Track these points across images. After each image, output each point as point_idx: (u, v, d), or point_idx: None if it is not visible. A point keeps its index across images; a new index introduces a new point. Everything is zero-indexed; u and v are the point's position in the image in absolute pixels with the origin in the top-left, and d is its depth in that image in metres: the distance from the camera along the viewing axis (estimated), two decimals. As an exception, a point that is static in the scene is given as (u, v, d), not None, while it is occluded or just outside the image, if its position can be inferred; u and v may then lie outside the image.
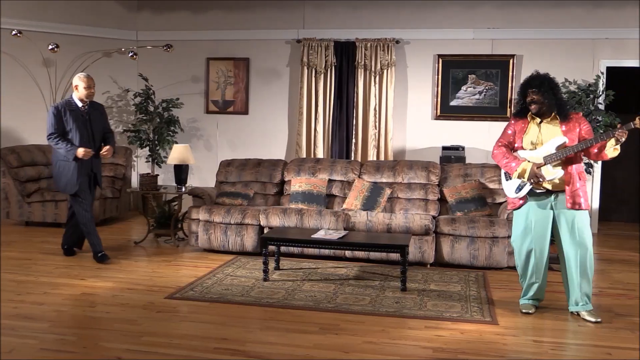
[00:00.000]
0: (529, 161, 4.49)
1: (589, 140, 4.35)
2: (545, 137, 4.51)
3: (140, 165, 9.45)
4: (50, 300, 4.75)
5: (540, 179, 4.42)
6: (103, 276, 5.53)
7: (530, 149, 4.54)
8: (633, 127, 4.21)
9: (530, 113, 4.58)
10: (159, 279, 5.47)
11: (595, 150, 4.40)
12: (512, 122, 4.72)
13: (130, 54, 8.88)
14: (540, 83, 4.48)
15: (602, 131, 4.42)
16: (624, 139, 4.24)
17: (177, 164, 7.07)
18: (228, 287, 5.21)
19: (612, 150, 4.31)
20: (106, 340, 3.94)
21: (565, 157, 4.42)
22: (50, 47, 8.36)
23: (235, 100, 9.21)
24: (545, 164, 4.42)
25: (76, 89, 6.01)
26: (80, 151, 5.86)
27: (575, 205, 4.41)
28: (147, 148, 9.03)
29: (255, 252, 6.40)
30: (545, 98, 4.47)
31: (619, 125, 4.26)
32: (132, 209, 9.06)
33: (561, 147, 4.41)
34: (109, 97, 9.26)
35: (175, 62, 9.10)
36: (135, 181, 9.24)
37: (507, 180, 4.68)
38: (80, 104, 6.02)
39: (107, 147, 6.11)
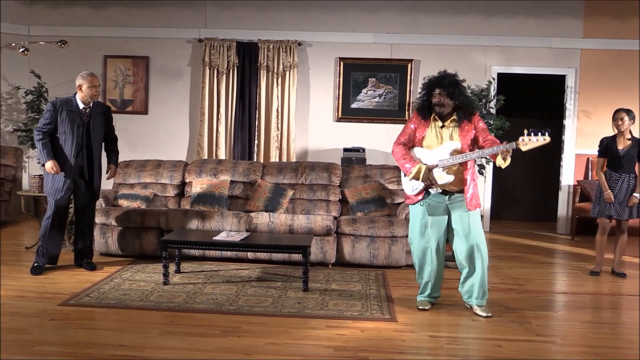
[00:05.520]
0: (423, 163, 4.61)
1: (479, 153, 4.48)
2: (444, 140, 4.64)
3: (32, 167, 9.01)
4: None
5: (433, 182, 4.57)
6: (-10, 284, 5.23)
7: (426, 149, 4.67)
8: (515, 147, 4.37)
9: (433, 115, 4.67)
10: (51, 286, 5.24)
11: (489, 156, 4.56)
12: (414, 119, 4.77)
13: (22, 50, 8.45)
14: (450, 83, 4.56)
15: (490, 147, 4.52)
16: (508, 158, 4.38)
17: (72, 165, 6.79)
18: (126, 292, 5.07)
19: (502, 162, 4.44)
20: (-6, 352, 3.74)
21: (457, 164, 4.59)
22: None
23: (134, 99, 8.98)
24: (437, 166, 4.55)
25: (80, 89, 5.58)
26: (49, 164, 5.48)
27: (471, 207, 4.60)
28: (40, 148, 8.62)
29: (155, 255, 6.25)
30: (453, 99, 4.57)
31: (504, 143, 4.41)
32: (22, 212, 8.61)
33: (454, 153, 4.57)
34: (-3, 94, 8.78)
35: (70, 59, 8.76)
36: (26, 183, 8.80)
37: (404, 176, 4.79)
38: (82, 106, 5.61)
39: (111, 167, 5.87)
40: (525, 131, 4.40)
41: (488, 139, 4.59)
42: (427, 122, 4.70)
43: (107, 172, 5.94)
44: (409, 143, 4.74)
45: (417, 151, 4.69)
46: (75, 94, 5.70)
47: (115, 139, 6.01)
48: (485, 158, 7.81)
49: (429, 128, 4.69)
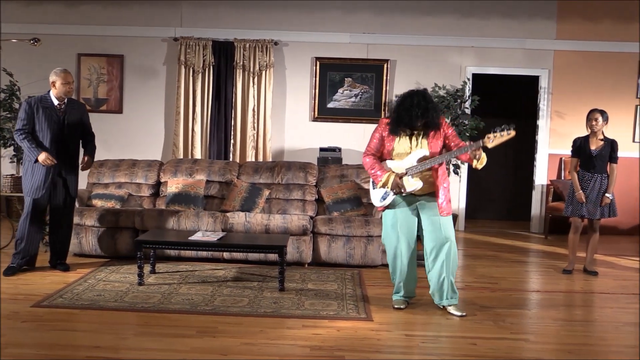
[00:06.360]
0: (393, 171, 4.66)
1: (446, 156, 4.59)
2: (413, 147, 4.67)
3: (4, 166, 8.88)
4: None
5: (402, 190, 4.62)
6: (-39, 285, 5.15)
7: (397, 160, 4.72)
8: (482, 144, 4.45)
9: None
10: (24, 287, 5.17)
11: (463, 158, 4.62)
12: (380, 128, 4.78)
13: (-7, 48, 8.33)
14: (434, 111, 4.58)
15: (458, 148, 4.62)
16: (479, 154, 4.48)
17: (45, 165, 6.70)
18: (100, 293, 5.02)
19: (476, 163, 4.53)
20: (-36, 354, 3.68)
21: (427, 169, 4.64)
22: None
23: (109, 98, 8.89)
24: (406, 174, 4.62)
25: (53, 85, 5.53)
26: (42, 156, 5.40)
27: (443, 213, 4.65)
28: (12, 148, 8.50)
29: (129, 255, 6.18)
30: (429, 119, 4.60)
31: (469, 143, 4.51)
32: (-6, 213, 8.51)
33: (422, 160, 4.62)
34: (-33, 92, 8.63)
35: (43, 57, 8.63)
36: (-2, 183, 8.67)
37: (373, 189, 4.85)
38: (56, 102, 5.56)
39: (86, 159, 5.76)
40: (492, 130, 4.49)
41: (460, 145, 4.66)
42: (394, 135, 4.74)
43: (81, 163, 5.83)
44: (377, 153, 4.80)
45: (388, 163, 4.75)
46: (49, 90, 5.65)
47: (92, 134, 5.95)
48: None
49: (398, 137, 4.72)
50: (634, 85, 8.71)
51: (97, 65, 8.86)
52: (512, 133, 4.45)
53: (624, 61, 8.68)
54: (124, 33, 8.83)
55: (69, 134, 5.66)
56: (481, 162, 4.53)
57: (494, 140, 4.45)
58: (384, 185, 4.67)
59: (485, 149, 4.49)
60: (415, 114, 4.56)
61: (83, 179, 7.89)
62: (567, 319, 4.80)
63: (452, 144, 4.69)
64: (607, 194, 6.07)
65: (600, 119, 6.08)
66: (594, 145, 6.14)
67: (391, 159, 4.74)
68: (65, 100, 5.66)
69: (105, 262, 6.14)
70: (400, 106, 4.65)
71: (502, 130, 4.44)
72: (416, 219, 4.76)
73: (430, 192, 4.70)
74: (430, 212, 4.70)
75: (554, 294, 5.59)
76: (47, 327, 4.24)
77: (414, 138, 4.69)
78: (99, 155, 8.07)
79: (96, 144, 6.00)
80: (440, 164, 4.67)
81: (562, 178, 8.58)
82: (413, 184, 4.62)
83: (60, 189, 5.70)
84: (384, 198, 4.77)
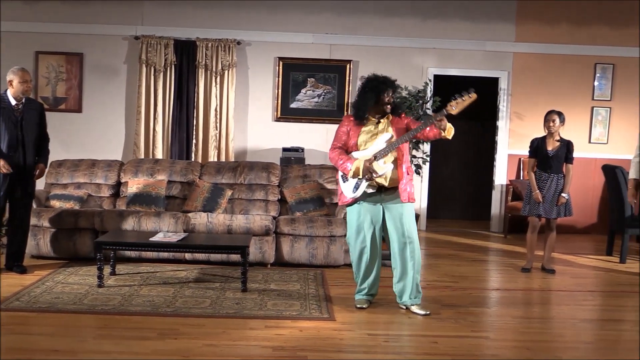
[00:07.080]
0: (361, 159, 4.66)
1: (411, 132, 4.59)
2: (379, 134, 4.70)
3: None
4: None
5: (374, 174, 4.61)
6: None
7: (363, 149, 4.73)
8: (446, 113, 4.47)
9: (367, 115, 4.73)
10: (-21, 290, 5.06)
11: (430, 135, 4.62)
12: (347, 122, 4.82)
13: (-54, 44, 8.11)
14: (394, 84, 4.70)
15: (422, 121, 4.65)
16: (444, 124, 4.49)
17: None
18: (59, 295, 4.93)
19: (444, 133, 4.53)
20: None
21: (396, 151, 4.63)
22: None
23: (68, 97, 8.73)
24: (375, 158, 4.61)
25: (10, 84, 5.41)
26: None
27: (404, 199, 4.68)
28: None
29: (89, 257, 6.08)
30: (395, 97, 4.69)
31: (433, 115, 4.53)
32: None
33: (389, 141, 4.63)
34: None
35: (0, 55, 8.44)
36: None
37: (344, 182, 4.82)
38: (14, 102, 5.43)
39: (40, 167, 5.67)
40: (452, 97, 4.50)
41: (418, 124, 4.71)
42: (361, 124, 4.76)
43: (35, 171, 5.74)
44: (344, 146, 4.79)
45: (354, 154, 4.73)
46: (6, 90, 5.53)
47: (46, 138, 5.84)
48: (423, 158, 7.96)
49: (365, 128, 4.74)
50: (590, 87, 8.92)
51: (56, 63, 8.70)
52: (474, 96, 4.45)
53: (580, 64, 8.88)
54: (84, 31, 8.68)
55: (26, 135, 5.56)
56: (449, 131, 4.53)
57: (456, 106, 4.46)
58: (355, 175, 4.64)
59: (450, 116, 4.48)
60: (392, 84, 4.65)
61: (41, 179, 7.73)
62: (525, 317, 4.89)
63: (413, 125, 4.71)
64: (563, 194, 6.21)
65: (557, 120, 6.21)
66: (551, 146, 6.26)
67: (357, 150, 4.75)
68: (23, 100, 5.55)
69: (63, 264, 6.03)
70: (367, 84, 4.69)
71: (462, 95, 4.46)
72: (381, 216, 4.77)
73: (395, 187, 4.71)
74: (393, 208, 4.71)
75: (513, 292, 5.69)
76: (4, 330, 4.14)
77: (380, 124, 4.72)
78: (57, 156, 7.90)
79: (55, 143, 5.90)
80: (407, 142, 4.69)
81: (521, 178, 8.73)
82: (383, 167, 4.60)
83: (18, 190, 5.59)
84: (356, 188, 4.71)
